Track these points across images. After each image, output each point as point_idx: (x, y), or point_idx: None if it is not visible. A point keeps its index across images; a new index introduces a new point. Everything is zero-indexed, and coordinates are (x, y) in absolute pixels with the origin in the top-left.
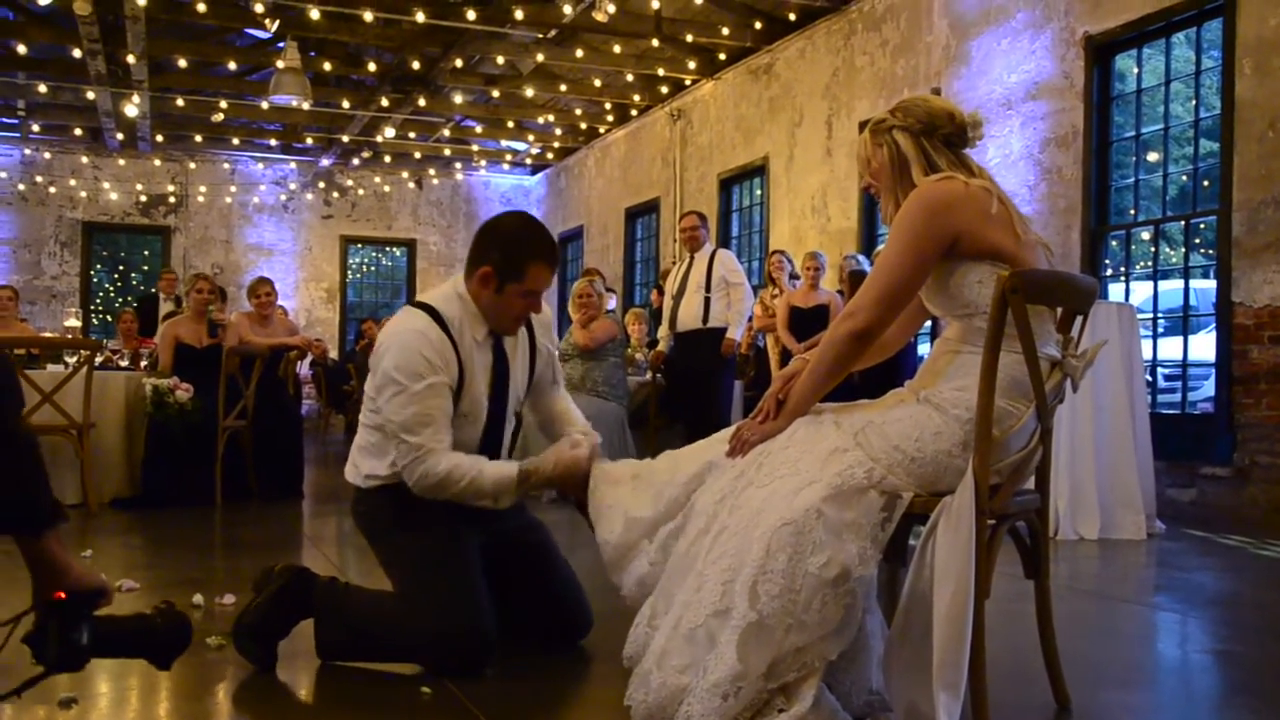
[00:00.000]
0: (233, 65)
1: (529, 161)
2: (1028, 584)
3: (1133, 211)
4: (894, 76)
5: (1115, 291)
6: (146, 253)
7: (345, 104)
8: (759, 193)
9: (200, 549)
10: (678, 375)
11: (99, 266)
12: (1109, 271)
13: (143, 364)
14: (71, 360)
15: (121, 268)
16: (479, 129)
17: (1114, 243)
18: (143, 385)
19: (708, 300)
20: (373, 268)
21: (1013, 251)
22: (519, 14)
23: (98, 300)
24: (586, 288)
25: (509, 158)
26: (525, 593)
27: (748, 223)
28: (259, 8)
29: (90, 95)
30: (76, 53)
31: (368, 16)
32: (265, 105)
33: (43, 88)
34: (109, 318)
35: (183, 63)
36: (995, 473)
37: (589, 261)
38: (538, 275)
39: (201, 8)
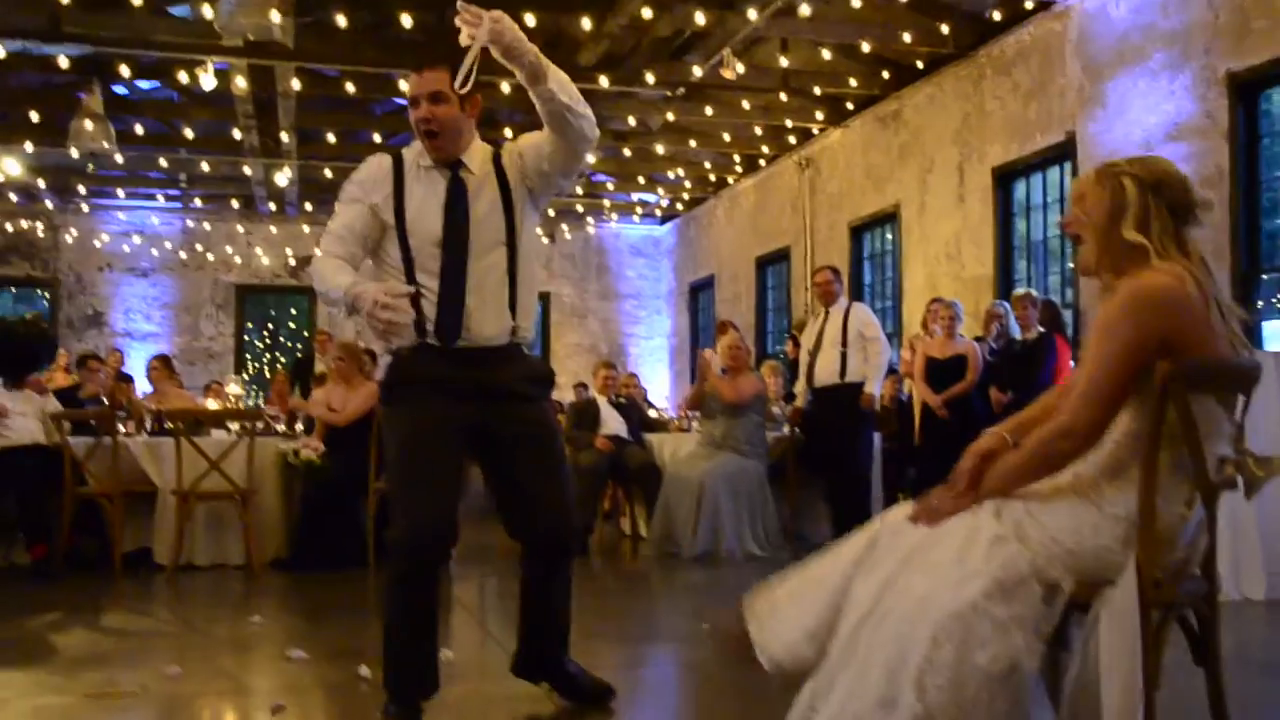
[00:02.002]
0: (377, 137)
1: (659, 212)
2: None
3: None
4: (1026, 121)
5: (1270, 335)
6: (294, 310)
7: None
8: (890, 239)
9: (354, 613)
10: (816, 431)
11: (250, 325)
12: (1262, 317)
13: (297, 427)
14: (234, 427)
15: (271, 325)
16: (610, 184)
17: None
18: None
19: (844, 355)
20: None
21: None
22: (650, 78)
23: (248, 358)
24: (737, 340)
25: (639, 209)
26: (505, 489)
27: (880, 269)
28: (403, 84)
29: (246, 170)
30: (236, 134)
31: (505, 87)
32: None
33: (205, 165)
34: (266, 373)
35: (331, 138)
36: (1158, 567)
37: (721, 311)
38: (410, 81)
39: (350, 87)
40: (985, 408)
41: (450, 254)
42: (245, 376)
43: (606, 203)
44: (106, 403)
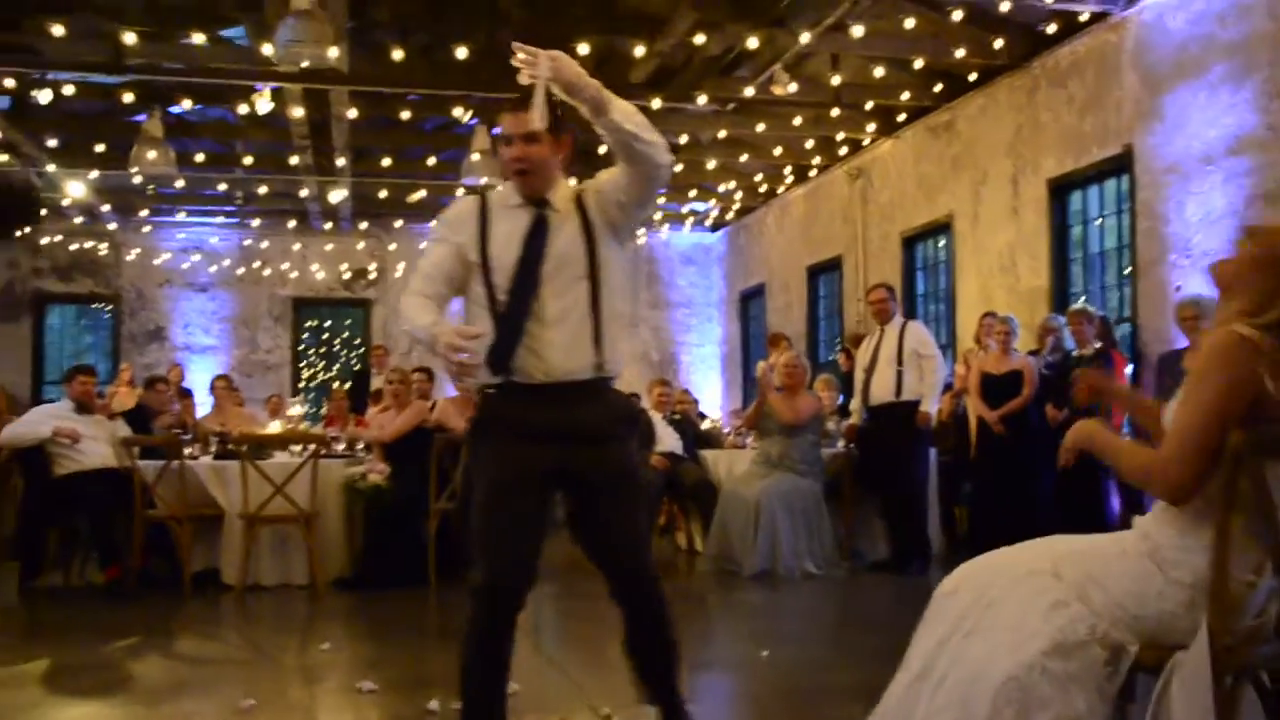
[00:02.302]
0: (431, 161)
1: (709, 221)
2: None
3: None
4: (1081, 133)
5: None
6: (349, 321)
7: None
8: (943, 249)
9: (419, 636)
10: (872, 449)
11: (306, 336)
12: None
13: (358, 447)
14: (296, 450)
15: (326, 336)
16: (661, 195)
17: None
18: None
19: (900, 373)
20: None
21: None
22: (701, 99)
23: (304, 369)
24: (794, 359)
25: (690, 218)
26: (587, 529)
27: (934, 280)
28: (457, 110)
29: (302, 193)
30: (293, 158)
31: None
32: (460, 192)
33: (263, 189)
34: (325, 385)
35: (387, 161)
36: (1229, 633)
37: (772, 320)
38: (503, 121)
39: (405, 114)
40: (1041, 423)
41: (518, 283)
42: (304, 390)
43: (658, 213)
44: (176, 425)
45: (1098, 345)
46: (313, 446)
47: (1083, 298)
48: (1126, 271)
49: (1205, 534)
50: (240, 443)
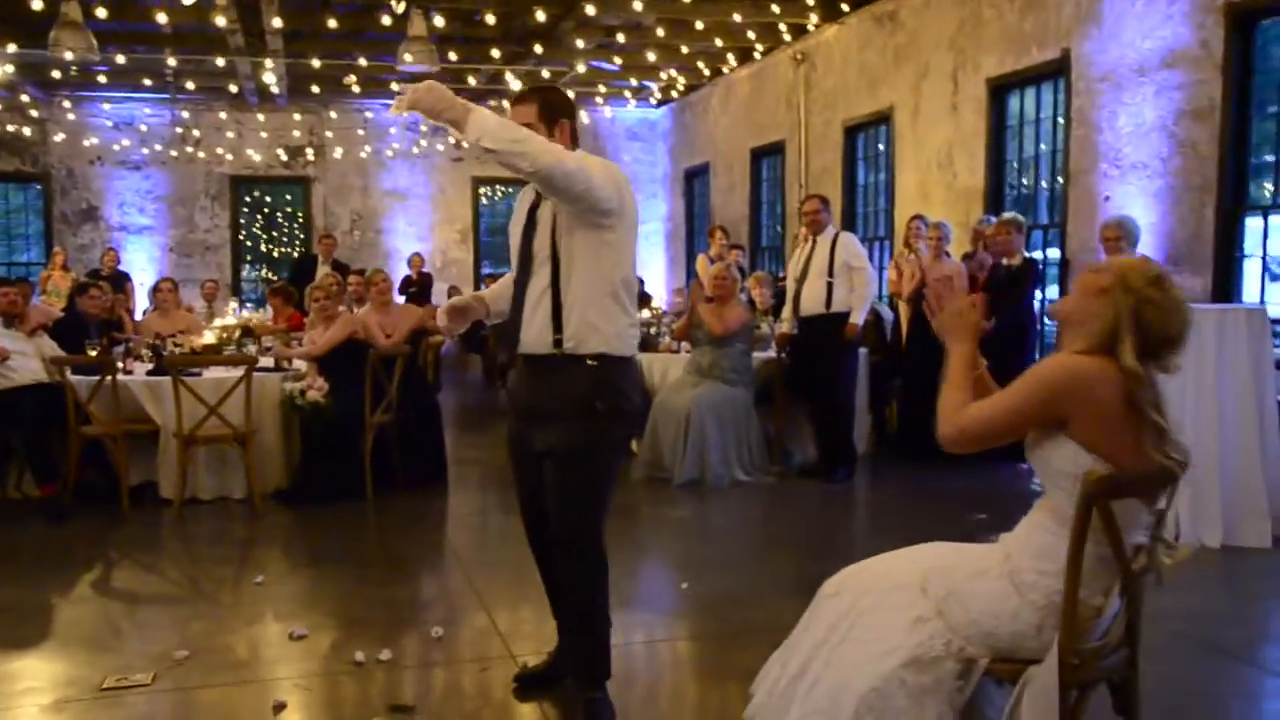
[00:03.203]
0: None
1: (654, 100)
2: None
3: (1269, 189)
4: (1022, 33)
5: (1252, 274)
6: (289, 196)
7: (468, 60)
8: (883, 145)
9: (354, 565)
10: (802, 358)
11: (245, 212)
12: (1247, 254)
13: (300, 365)
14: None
15: (266, 213)
16: (603, 70)
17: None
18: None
19: (830, 285)
20: (504, 207)
21: (1122, 463)
22: None
23: (247, 246)
24: (724, 271)
25: (634, 94)
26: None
27: (874, 173)
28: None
29: (229, 63)
30: (220, 20)
31: None
32: (394, 85)
33: (187, 61)
34: (263, 270)
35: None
36: (1076, 654)
37: (715, 200)
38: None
39: (332, 23)
40: None
41: (519, 268)
42: (248, 266)
43: (601, 88)
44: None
45: (1026, 256)
46: (243, 370)
47: (1015, 201)
48: (1059, 178)
49: (1062, 559)
50: (173, 364)
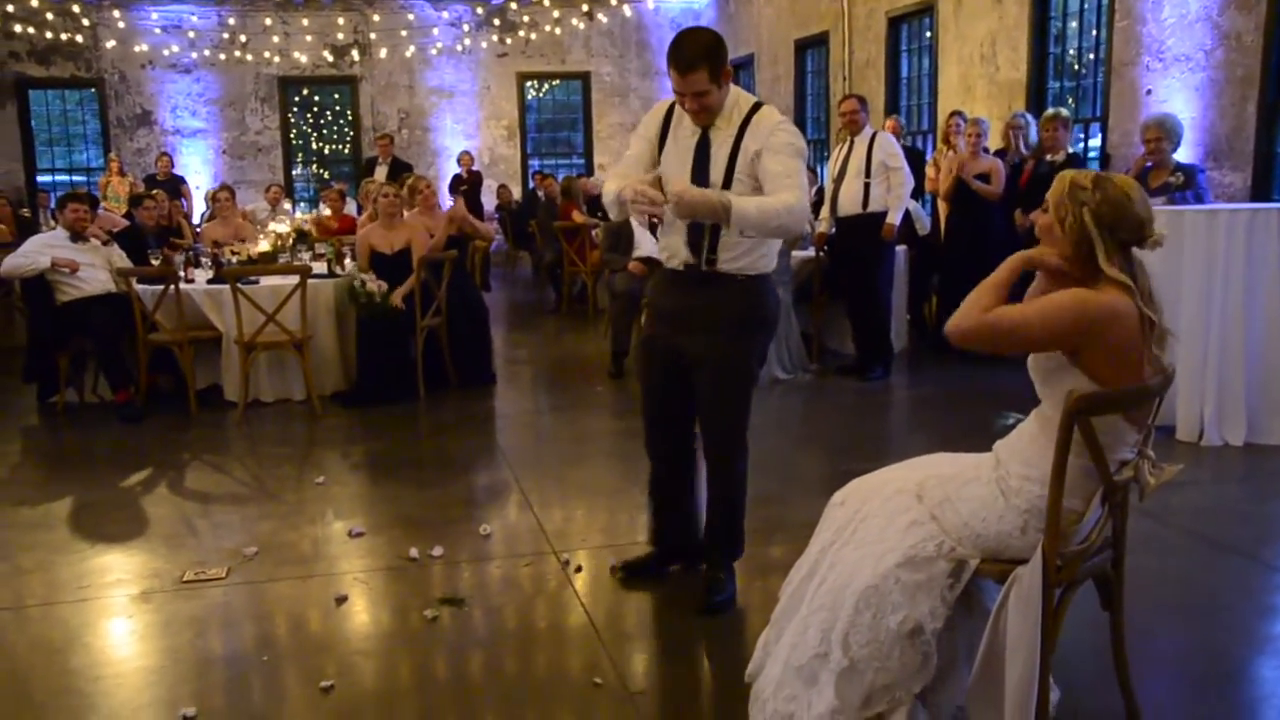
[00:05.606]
0: None
1: None
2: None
3: None
4: None
5: None
6: (337, 96)
7: None
8: (928, 35)
9: (410, 468)
10: (839, 258)
11: (295, 113)
12: None
13: (346, 262)
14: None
15: (314, 114)
16: None
17: None
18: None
19: (867, 185)
20: (549, 102)
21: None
22: None
23: (298, 151)
24: None
25: None
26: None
27: (917, 65)
28: None
29: None
30: None
31: None
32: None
33: None
34: (316, 168)
35: None
36: (1059, 555)
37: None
38: (673, 78)
39: None
40: (1004, 222)
41: (694, 180)
42: (295, 171)
43: None
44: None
45: (1070, 152)
46: (299, 278)
47: (1059, 98)
48: (1101, 72)
49: (1046, 468)
50: (231, 274)
